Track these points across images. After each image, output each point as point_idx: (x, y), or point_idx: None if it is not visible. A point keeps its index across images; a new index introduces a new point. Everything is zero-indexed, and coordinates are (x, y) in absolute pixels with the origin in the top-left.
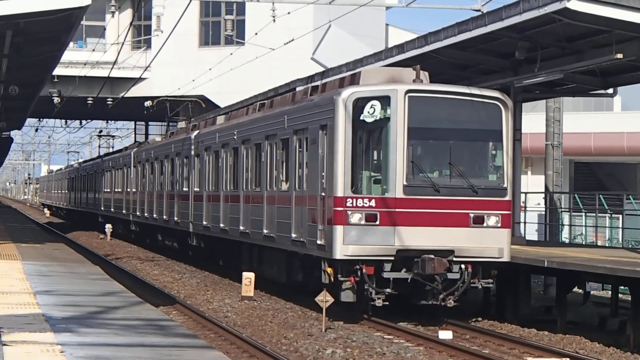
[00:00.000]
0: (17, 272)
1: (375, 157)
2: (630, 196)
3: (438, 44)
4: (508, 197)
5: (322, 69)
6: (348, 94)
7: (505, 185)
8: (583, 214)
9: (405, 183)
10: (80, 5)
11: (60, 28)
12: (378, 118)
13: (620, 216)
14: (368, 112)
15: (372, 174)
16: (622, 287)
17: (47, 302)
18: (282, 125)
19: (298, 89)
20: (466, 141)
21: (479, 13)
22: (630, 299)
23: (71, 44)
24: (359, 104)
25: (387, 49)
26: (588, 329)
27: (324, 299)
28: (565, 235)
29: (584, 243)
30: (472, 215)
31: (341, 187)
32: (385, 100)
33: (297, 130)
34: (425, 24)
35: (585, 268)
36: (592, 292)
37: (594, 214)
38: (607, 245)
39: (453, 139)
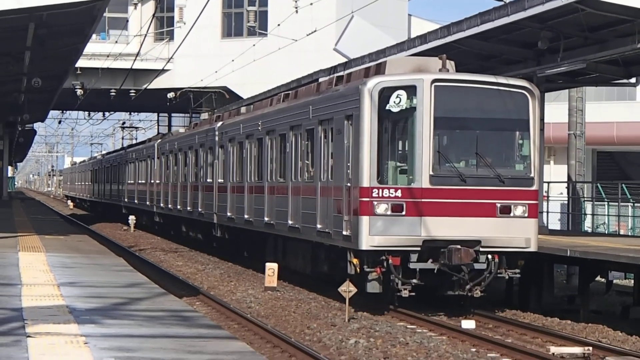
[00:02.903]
0: (40, 264)
1: (401, 147)
2: None
3: (461, 34)
4: (535, 187)
5: (344, 60)
6: (374, 83)
7: (532, 175)
8: (606, 203)
9: (431, 173)
10: None
11: (83, 20)
12: (404, 108)
13: None
14: (394, 102)
15: (398, 164)
16: None
17: (71, 293)
18: (307, 116)
19: (322, 79)
20: (493, 131)
21: (502, 3)
22: None
23: (94, 36)
24: (385, 94)
25: (409, 39)
26: (611, 318)
27: (347, 289)
28: (587, 225)
29: (606, 232)
30: (498, 205)
31: (367, 177)
32: (411, 90)
33: (322, 121)
34: (448, 14)
35: (608, 257)
36: (614, 281)
37: (616, 203)
38: (629, 234)
39: (480, 128)
